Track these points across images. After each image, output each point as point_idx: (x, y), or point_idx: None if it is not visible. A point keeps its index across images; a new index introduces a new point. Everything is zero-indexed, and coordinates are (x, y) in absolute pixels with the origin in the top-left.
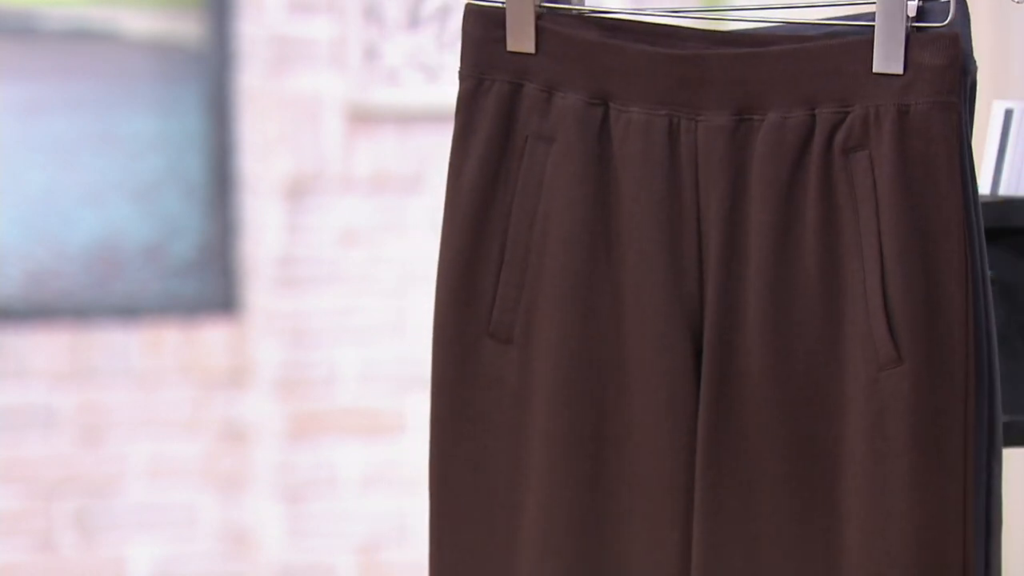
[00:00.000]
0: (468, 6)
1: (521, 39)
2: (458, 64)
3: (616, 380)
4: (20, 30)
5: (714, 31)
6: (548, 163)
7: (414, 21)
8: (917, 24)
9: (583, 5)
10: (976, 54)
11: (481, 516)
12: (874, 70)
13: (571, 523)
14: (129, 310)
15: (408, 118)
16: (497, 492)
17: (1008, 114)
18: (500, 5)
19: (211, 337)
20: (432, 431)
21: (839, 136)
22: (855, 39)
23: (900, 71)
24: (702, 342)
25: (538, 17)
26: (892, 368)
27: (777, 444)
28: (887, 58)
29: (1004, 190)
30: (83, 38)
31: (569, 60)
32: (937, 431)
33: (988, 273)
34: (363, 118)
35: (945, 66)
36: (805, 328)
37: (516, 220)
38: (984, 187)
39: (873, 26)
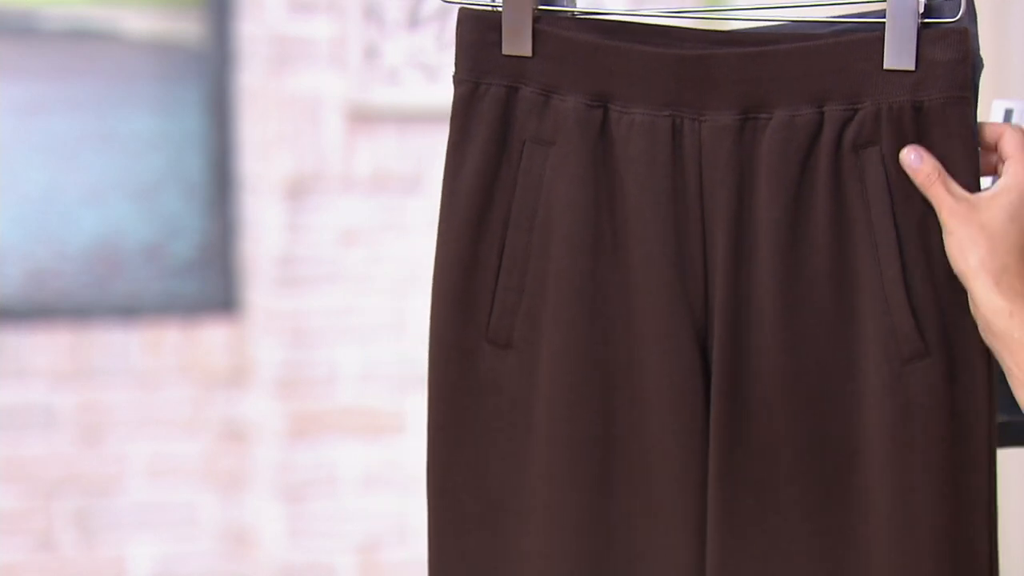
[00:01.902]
0: (462, 11)
1: (518, 42)
2: (452, 69)
3: (622, 382)
4: (20, 30)
5: (714, 31)
6: (547, 166)
7: (414, 21)
8: (926, 20)
9: (577, 8)
10: None
11: (483, 523)
12: (885, 67)
13: (578, 526)
14: (129, 310)
15: (408, 118)
16: (499, 498)
17: (1008, 114)
18: (494, 8)
19: (211, 337)
20: (430, 439)
21: (849, 133)
22: (863, 36)
23: (912, 67)
24: (707, 342)
25: (535, 20)
26: (918, 361)
27: (791, 442)
28: (898, 54)
29: None
30: (83, 38)
31: (567, 62)
32: (964, 422)
33: None
34: (363, 118)
35: (957, 61)
36: (817, 325)
37: (514, 224)
38: (985, 186)
39: (880, 23)
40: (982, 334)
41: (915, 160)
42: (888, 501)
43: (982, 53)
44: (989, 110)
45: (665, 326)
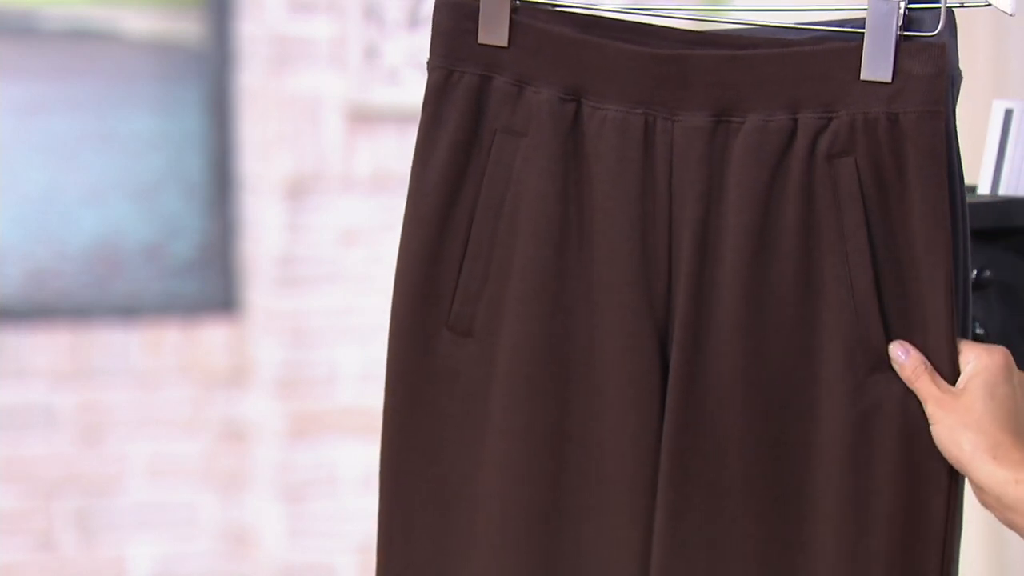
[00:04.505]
0: None
1: (494, 32)
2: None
3: (581, 377)
4: (20, 30)
5: (692, 31)
6: (517, 157)
7: (414, 21)
8: (905, 33)
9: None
10: (975, 54)
11: (434, 509)
12: (862, 77)
13: (528, 517)
14: (129, 310)
15: (408, 118)
16: (452, 485)
17: (1008, 114)
18: None
19: (211, 337)
20: (385, 423)
21: (823, 142)
22: (841, 45)
23: (889, 79)
24: (668, 342)
25: (513, 11)
26: (882, 372)
27: (745, 446)
28: (876, 66)
29: (1004, 190)
30: (83, 38)
31: (543, 55)
32: (925, 434)
33: (971, 279)
34: (363, 118)
35: (934, 75)
36: (779, 331)
37: (481, 213)
38: (984, 187)
39: (859, 33)
40: (997, 516)
41: (902, 355)
42: (840, 509)
43: (981, 54)
44: (989, 110)
45: (626, 323)
